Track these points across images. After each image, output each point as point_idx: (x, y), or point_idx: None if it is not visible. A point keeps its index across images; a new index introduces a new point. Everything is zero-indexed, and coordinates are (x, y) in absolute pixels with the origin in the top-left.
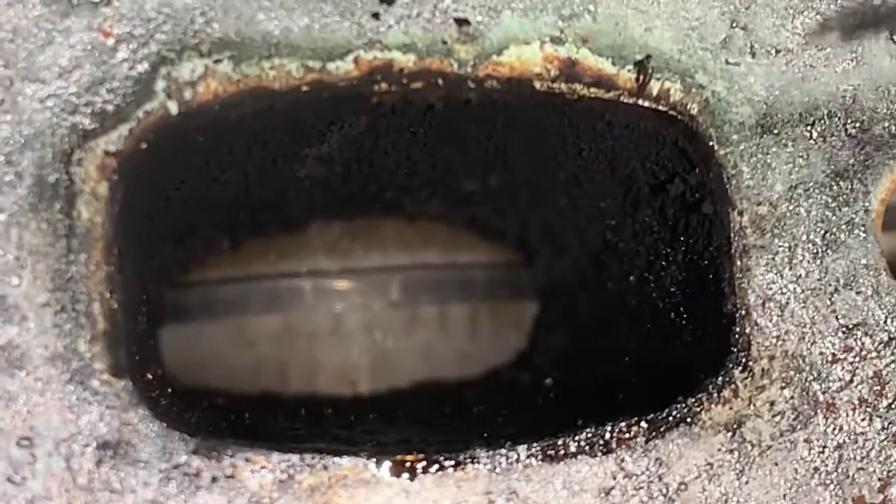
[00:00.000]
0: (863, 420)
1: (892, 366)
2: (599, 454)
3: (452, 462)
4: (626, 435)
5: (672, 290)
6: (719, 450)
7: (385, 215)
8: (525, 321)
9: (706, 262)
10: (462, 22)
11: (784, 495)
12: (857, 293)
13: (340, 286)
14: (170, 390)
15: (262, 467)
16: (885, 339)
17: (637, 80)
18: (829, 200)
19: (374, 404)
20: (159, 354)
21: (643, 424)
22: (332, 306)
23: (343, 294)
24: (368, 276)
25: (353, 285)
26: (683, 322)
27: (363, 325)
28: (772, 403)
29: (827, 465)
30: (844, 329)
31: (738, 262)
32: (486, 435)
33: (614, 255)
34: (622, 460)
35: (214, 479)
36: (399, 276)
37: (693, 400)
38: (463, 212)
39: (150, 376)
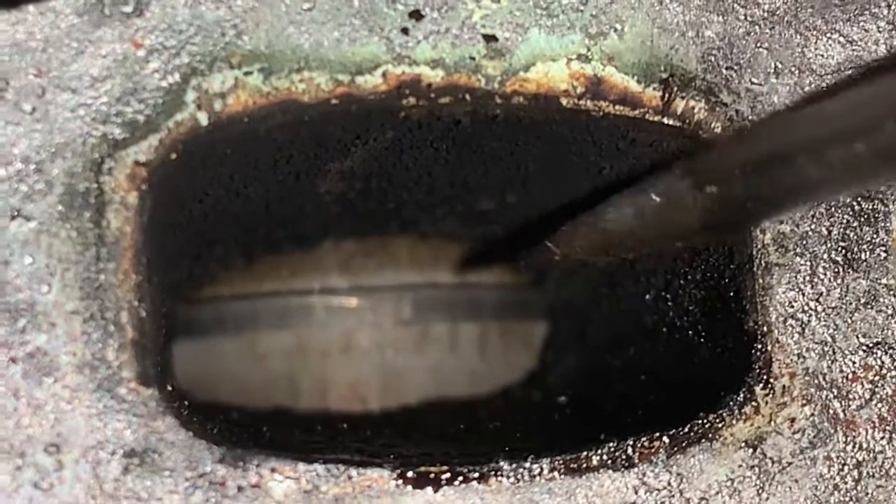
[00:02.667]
0: (882, 438)
1: None
2: (622, 468)
3: (477, 474)
4: (648, 449)
5: (690, 308)
6: (740, 466)
7: (399, 233)
8: (535, 341)
9: (727, 280)
10: (490, 38)
11: None
12: (878, 312)
13: (352, 304)
14: (187, 403)
15: (288, 477)
16: None
17: (662, 98)
18: (851, 219)
19: (386, 421)
20: (173, 369)
21: (665, 439)
22: (344, 324)
23: (354, 312)
24: (380, 294)
25: (364, 303)
26: (701, 340)
27: (374, 342)
28: (792, 420)
29: (846, 483)
30: (865, 347)
31: (761, 280)
32: (507, 449)
33: (630, 274)
34: (644, 474)
35: (240, 489)
36: (410, 294)
37: (714, 416)
38: (476, 231)
39: (170, 388)
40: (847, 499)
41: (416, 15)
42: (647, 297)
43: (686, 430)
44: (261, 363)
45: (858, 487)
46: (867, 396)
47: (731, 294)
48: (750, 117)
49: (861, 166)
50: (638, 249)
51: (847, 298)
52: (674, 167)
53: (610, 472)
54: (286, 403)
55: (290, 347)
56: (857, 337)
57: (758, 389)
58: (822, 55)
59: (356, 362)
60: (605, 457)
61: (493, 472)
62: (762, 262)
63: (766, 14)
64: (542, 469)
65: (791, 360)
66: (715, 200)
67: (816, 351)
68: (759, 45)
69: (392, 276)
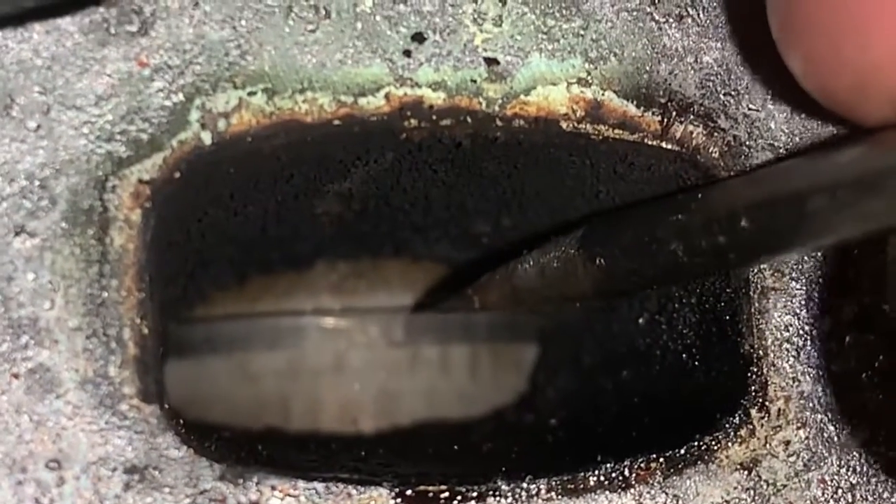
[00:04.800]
0: (875, 462)
1: None
2: (618, 489)
3: (475, 494)
4: (645, 471)
5: (685, 331)
6: (735, 487)
7: (393, 256)
8: (526, 363)
9: (723, 304)
10: (491, 62)
11: None
12: (871, 336)
13: (344, 325)
14: (182, 421)
15: (287, 495)
16: None
17: (661, 122)
18: None
19: (379, 441)
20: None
21: (661, 461)
22: (336, 345)
23: (346, 333)
24: (372, 315)
25: (356, 324)
26: (696, 363)
27: (366, 364)
28: (787, 443)
29: None
30: None
31: (756, 304)
32: (504, 469)
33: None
34: (640, 496)
35: None
36: (402, 316)
37: (710, 438)
38: (469, 255)
39: (167, 406)
40: None
41: (419, 37)
42: (641, 320)
43: (682, 451)
44: (252, 384)
45: None
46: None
47: (727, 318)
48: (747, 142)
49: (724, 254)
50: (542, 306)
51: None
52: (570, 236)
53: (607, 492)
54: (278, 424)
55: (282, 368)
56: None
57: (753, 412)
58: None
59: (348, 383)
60: (602, 478)
61: (490, 492)
62: (758, 286)
63: (763, 42)
64: (539, 489)
65: (786, 383)
66: (602, 272)
67: (812, 375)
68: (756, 70)
69: (384, 298)
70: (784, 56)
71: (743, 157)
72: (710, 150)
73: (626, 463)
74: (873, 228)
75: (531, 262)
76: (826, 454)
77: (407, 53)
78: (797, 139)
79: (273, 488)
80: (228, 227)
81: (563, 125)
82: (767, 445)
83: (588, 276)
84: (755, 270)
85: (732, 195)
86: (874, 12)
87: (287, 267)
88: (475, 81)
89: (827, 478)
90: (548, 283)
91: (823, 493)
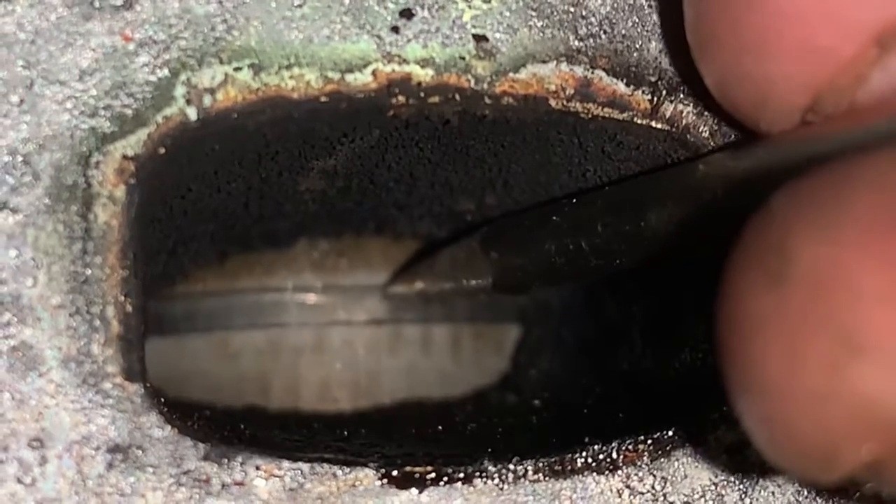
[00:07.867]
0: None
1: None
2: (606, 471)
3: (462, 475)
4: (633, 453)
5: (672, 310)
6: (723, 470)
7: (375, 233)
8: (507, 344)
9: (711, 280)
10: (480, 38)
11: None
12: None
13: (325, 302)
14: (164, 399)
15: (272, 475)
16: None
17: (651, 101)
18: None
19: (361, 421)
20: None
21: (649, 442)
22: (316, 323)
23: (327, 311)
24: (353, 293)
25: (337, 302)
26: (684, 344)
27: (346, 342)
28: None
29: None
30: None
31: None
32: (490, 450)
33: (607, 277)
34: (628, 477)
35: (224, 486)
36: (383, 294)
37: (699, 420)
38: (452, 232)
39: (149, 384)
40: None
41: (407, 14)
42: (627, 299)
43: (670, 433)
44: (233, 361)
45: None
46: None
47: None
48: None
49: (587, 258)
50: (455, 296)
51: None
52: (478, 231)
53: (594, 474)
54: (258, 402)
55: (263, 346)
56: None
57: None
58: None
59: (328, 361)
60: (589, 459)
61: (477, 473)
62: None
63: None
64: (526, 470)
65: None
66: (496, 265)
67: None
68: None
69: (365, 275)
70: (698, 69)
71: (733, 135)
72: (700, 130)
73: (613, 444)
74: (701, 244)
75: (448, 254)
76: None
77: (395, 30)
78: None
79: (258, 468)
80: (211, 204)
81: (552, 103)
82: None
83: (485, 268)
84: None
85: (596, 200)
86: (770, 30)
87: (269, 244)
88: (464, 58)
89: None
90: (457, 276)
91: None
